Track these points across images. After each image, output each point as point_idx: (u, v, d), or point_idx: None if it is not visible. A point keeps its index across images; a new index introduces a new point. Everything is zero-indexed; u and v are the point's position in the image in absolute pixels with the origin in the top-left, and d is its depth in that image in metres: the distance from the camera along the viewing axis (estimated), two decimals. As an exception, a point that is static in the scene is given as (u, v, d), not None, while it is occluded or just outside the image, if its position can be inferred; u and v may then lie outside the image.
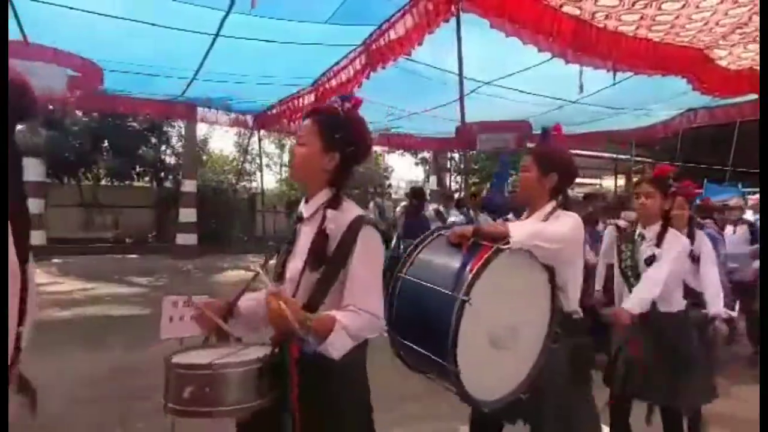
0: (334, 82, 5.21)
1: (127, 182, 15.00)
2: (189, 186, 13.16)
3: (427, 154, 15.02)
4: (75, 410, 3.24)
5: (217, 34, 4.46)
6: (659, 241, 2.58)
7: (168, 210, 14.03)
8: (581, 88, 4.44)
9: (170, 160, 15.51)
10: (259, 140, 10.34)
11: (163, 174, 15.22)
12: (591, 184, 17.20)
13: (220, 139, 34.44)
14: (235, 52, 4.82)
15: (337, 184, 1.56)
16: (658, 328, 2.60)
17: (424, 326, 1.64)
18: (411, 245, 1.85)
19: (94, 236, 13.89)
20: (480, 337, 1.58)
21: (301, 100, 6.25)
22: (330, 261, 1.46)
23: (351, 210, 1.52)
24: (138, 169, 14.54)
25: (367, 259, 1.46)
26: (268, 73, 5.55)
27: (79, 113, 12.81)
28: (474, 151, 12.31)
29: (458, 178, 17.94)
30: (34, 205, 11.71)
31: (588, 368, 1.97)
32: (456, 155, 16.30)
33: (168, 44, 4.68)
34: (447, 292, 1.55)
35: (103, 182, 14.49)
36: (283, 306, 1.33)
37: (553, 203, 1.98)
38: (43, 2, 3.90)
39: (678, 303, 2.69)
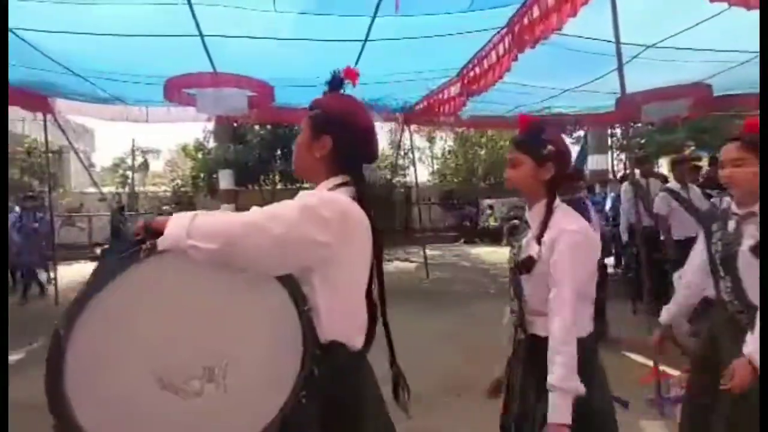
0: (478, 70, 5.20)
1: (296, 185, 16.75)
2: (349, 184, 14.26)
3: (581, 133, 13.91)
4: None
5: (365, 40, 4.79)
6: (541, 231, 1.62)
7: (333, 207, 15.35)
8: (774, 34, 3.76)
9: (331, 161, 16.96)
10: (411, 135, 10.71)
11: (325, 175, 16.75)
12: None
13: (374, 138, 36.41)
14: (383, 53, 5.11)
15: None
16: (533, 365, 1.64)
17: None
18: None
19: (275, 234, 15.85)
20: (136, 379, 1.08)
21: (447, 92, 6.36)
22: None
23: None
24: (304, 173, 16.16)
25: None
26: (415, 69, 5.76)
27: (257, 127, 14.68)
28: (639, 124, 11.12)
29: (621, 155, 16.35)
30: (229, 210, 13.83)
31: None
32: (618, 131, 14.88)
33: (323, 56, 5.16)
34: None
35: (278, 186, 16.35)
36: None
37: (334, 181, 1.38)
38: (227, 36, 4.62)
39: (581, 326, 1.61)
